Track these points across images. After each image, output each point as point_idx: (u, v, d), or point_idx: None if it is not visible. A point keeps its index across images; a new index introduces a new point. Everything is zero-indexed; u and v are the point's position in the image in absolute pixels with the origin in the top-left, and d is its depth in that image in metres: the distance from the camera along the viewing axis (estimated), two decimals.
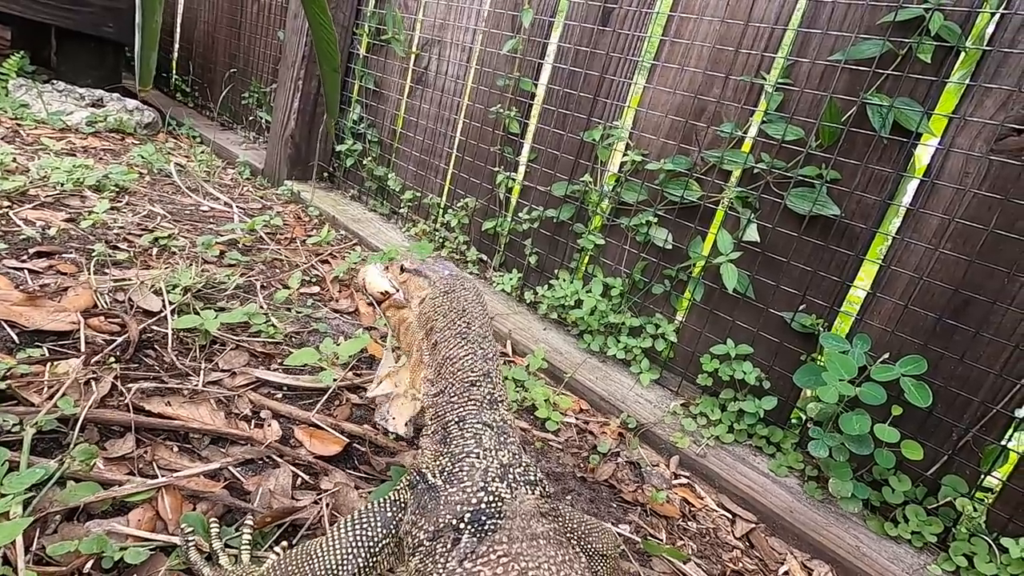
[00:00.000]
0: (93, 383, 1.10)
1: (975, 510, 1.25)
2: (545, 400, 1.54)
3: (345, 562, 0.72)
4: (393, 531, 0.75)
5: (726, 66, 1.59)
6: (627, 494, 1.32)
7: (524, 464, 0.81)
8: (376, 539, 0.74)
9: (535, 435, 1.43)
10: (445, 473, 0.78)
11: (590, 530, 0.84)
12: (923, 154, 1.36)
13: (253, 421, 1.19)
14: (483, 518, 0.72)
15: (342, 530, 0.75)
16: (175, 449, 1.05)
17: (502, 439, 0.83)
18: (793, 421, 1.54)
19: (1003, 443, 1.24)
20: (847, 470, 1.32)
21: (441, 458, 0.81)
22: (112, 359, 1.20)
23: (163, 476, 0.97)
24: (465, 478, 0.76)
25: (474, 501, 0.73)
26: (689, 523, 1.29)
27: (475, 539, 0.69)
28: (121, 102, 3.25)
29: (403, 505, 0.77)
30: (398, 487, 0.81)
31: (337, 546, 0.73)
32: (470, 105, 2.31)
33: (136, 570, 0.80)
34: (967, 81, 1.27)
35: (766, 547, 1.27)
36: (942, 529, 1.26)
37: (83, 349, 1.20)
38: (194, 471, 1.00)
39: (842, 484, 1.32)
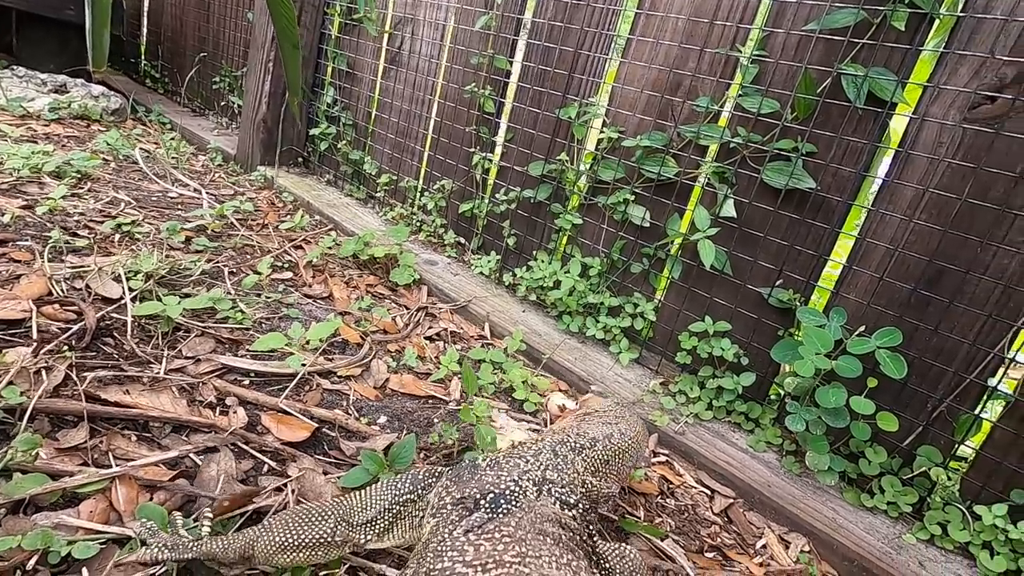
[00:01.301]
0: (44, 372, 1.05)
1: (949, 479, 1.25)
2: (523, 382, 1.52)
3: (375, 501, 0.84)
4: (420, 491, 0.85)
5: (701, 39, 1.56)
6: None
7: (568, 489, 0.86)
8: (403, 490, 0.85)
9: (512, 416, 1.40)
10: (491, 461, 0.88)
11: (629, 569, 0.87)
12: (898, 125, 1.35)
13: (218, 408, 1.15)
14: (501, 501, 0.78)
15: (377, 483, 0.88)
16: (133, 439, 1.01)
17: (559, 466, 0.90)
18: (771, 397, 1.53)
19: (976, 413, 1.24)
20: (824, 443, 1.31)
21: (499, 454, 0.90)
22: (66, 348, 1.15)
23: (118, 466, 0.93)
24: (504, 470, 0.85)
25: (501, 487, 0.81)
26: (667, 500, 1.28)
27: (486, 516, 0.76)
28: (86, 88, 3.14)
29: (436, 475, 0.87)
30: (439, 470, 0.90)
31: (372, 492, 0.86)
32: (445, 85, 2.26)
33: (85, 564, 0.77)
34: (941, 49, 1.25)
35: (744, 522, 1.27)
36: (917, 499, 1.26)
37: (34, 337, 1.15)
38: (151, 460, 0.96)
39: (819, 457, 1.31)
